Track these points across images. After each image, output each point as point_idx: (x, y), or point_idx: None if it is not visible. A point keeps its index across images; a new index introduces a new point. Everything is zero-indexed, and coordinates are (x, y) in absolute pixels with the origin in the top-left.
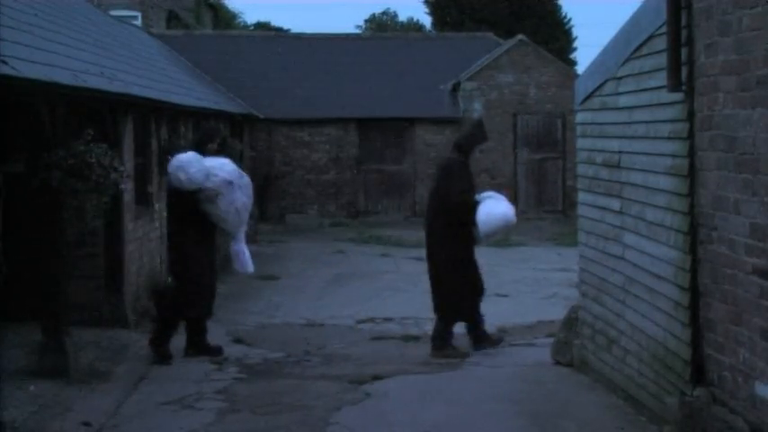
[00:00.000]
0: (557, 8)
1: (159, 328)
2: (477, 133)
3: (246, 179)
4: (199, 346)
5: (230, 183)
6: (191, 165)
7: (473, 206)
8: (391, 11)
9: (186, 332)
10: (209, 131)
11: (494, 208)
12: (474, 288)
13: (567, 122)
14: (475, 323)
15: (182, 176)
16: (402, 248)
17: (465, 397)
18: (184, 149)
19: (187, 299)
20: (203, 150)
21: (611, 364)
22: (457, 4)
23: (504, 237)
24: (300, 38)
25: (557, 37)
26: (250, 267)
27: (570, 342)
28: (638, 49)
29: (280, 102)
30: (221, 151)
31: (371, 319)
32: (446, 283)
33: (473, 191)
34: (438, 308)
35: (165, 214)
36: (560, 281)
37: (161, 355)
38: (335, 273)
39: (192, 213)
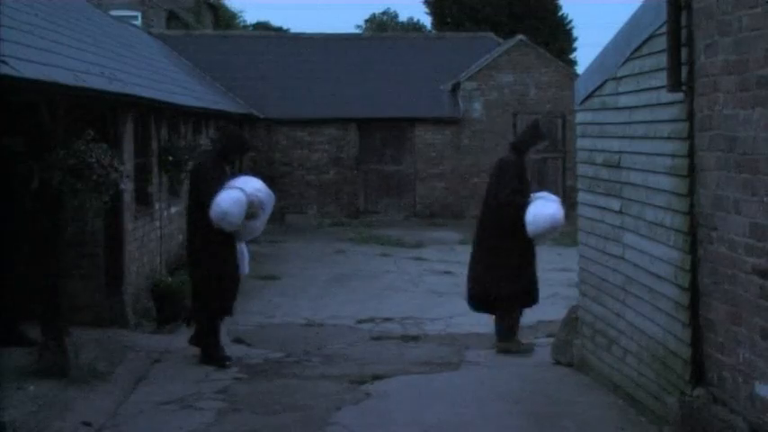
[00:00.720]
0: (557, 8)
1: (208, 334)
2: (534, 134)
3: (273, 197)
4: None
5: (263, 206)
6: (232, 215)
7: (521, 206)
8: (391, 11)
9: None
10: (237, 142)
11: (542, 209)
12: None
13: (567, 122)
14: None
15: (226, 226)
16: (402, 248)
17: (465, 397)
18: (207, 154)
19: (223, 297)
20: (228, 160)
21: (611, 364)
22: (457, 4)
23: (554, 237)
24: (300, 38)
25: (557, 37)
26: (246, 268)
27: (570, 342)
28: (638, 49)
29: (280, 102)
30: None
31: (371, 319)
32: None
33: (525, 191)
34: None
35: (165, 214)
36: (560, 281)
37: (221, 359)
38: (335, 273)
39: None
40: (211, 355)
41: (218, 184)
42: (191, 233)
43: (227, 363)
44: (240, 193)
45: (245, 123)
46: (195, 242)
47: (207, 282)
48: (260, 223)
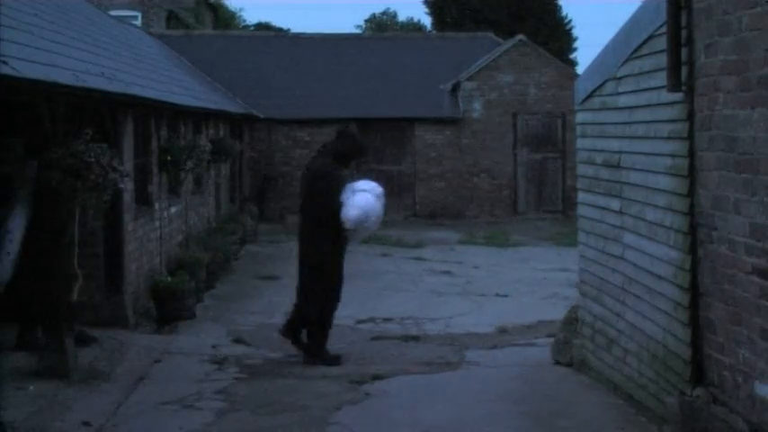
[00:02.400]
0: (556, 8)
1: (323, 336)
2: (357, 148)
3: (383, 192)
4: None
5: (379, 199)
6: (370, 219)
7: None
8: (391, 11)
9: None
10: (356, 144)
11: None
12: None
13: (567, 122)
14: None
15: (361, 230)
16: (402, 248)
17: (465, 397)
18: (323, 157)
19: (335, 298)
20: (346, 162)
21: (611, 364)
22: (457, 4)
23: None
24: (300, 38)
25: (557, 37)
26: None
27: (570, 342)
28: (638, 49)
29: (280, 102)
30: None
31: (371, 319)
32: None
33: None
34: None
35: (165, 214)
36: (560, 281)
37: (332, 359)
38: None
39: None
40: (324, 355)
41: (343, 187)
42: (313, 237)
43: (339, 361)
44: (371, 196)
45: (245, 123)
46: (323, 246)
47: (339, 284)
48: (374, 225)
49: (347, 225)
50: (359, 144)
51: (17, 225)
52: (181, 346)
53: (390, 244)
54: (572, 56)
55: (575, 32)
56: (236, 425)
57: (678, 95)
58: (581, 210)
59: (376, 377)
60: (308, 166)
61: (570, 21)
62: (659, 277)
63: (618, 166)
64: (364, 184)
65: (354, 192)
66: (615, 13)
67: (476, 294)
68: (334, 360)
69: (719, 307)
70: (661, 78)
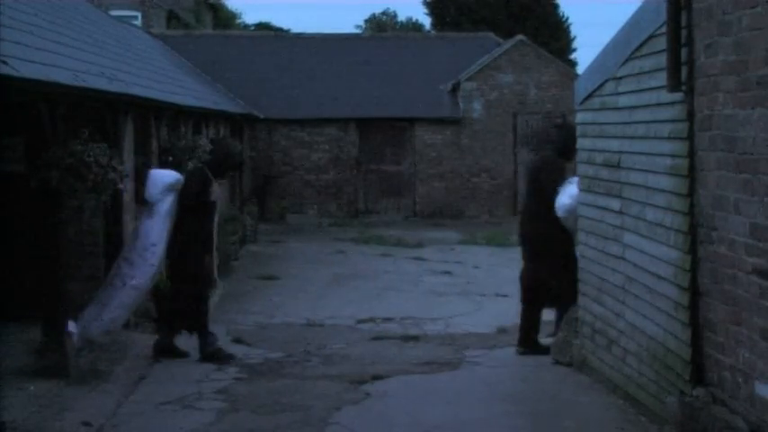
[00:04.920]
0: (555, 8)
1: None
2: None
3: None
4: None
5: None
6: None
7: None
8: (391, 11)
9: None
10: (574, 137)
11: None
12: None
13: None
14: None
15: (571, 222)
16: (402, 248)
17: (465, 397)
18: (547, 150)
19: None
20: (568, 156)
21: (611, 364)
22: (456, 5)
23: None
24: (300, 38)
25: (556, 37)
26: None
27: (570, 342)
28: (638, 49)
29: (280, 102)
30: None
31: (371, 319)
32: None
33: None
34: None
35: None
36: None
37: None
38: (335, 273)
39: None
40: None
41: (562, 179)
42: (538, 227)
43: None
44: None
45: (245, 123)
46: (552, 234)
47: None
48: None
49: (559, 213)
50: (574, 136)
51: (160, 237)
52: (180, 346)
53: (390, 244)
54: (571, 56)
55: (574, 32)
56: (236, 425)
57: (678, 95)
58: (581, 210)
59: (376, 377)
60: (532, 159)
61: (569, 20)
62: (659, 277)
63: (618, 166)
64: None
65: (569, 182)
66: (615, 13)
67: (476, 294)
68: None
69: (719, 307)
70: (661, 78)
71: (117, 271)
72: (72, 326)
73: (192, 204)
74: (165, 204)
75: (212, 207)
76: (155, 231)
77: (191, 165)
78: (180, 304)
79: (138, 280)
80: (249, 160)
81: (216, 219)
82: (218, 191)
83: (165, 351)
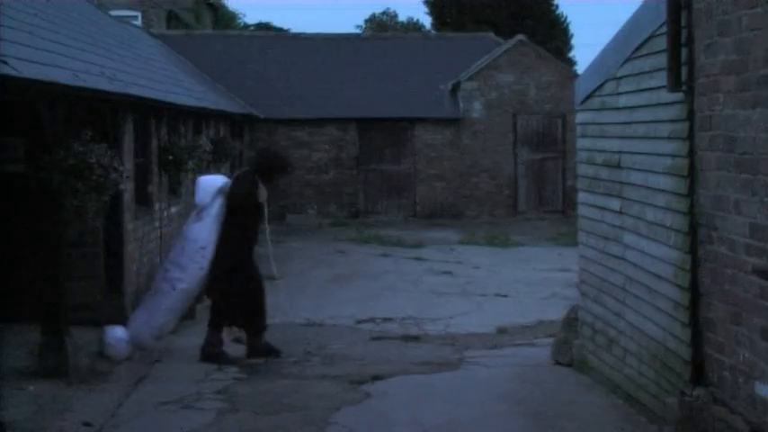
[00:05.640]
0: (554, 8)
1: None
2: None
3: None
4: None
5: None
6: None
7: None
8: (391, 11)
9: None
10: None
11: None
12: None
13: (567, 122)
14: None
15: None
16: (402, 248)
17: (465, 397)
18: None
19: None
20: None
21: (611, 364)
22: (457, 5)
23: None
24: (300, 38)
25: (553, 36)
26: None
27: (570, 342)
28: (638, 49)
29: (280, 102)
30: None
31: (371, 319)
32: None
33: None
34: None
35: (165, 214)
36: (560, 281)
37: None
38: (335, 273)
39: None
40: None
41: None
42: None
43: None
44: None
45: (245, 123)
46: None
47: None
48: None
49: None
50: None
51: (209, 240)
52: (181, 346)
53: (390, 244)
54: (569, 55)
55: (572, 32)
56: (236, 425)
57: (678, 95)
58: (581, 210)
59: (376, 377)
60: None
61: (566, 19)
62: (659, 277)
63: (618, 166)
64: None
65: None
66: (614, 13)
67: (476, 294)
68: None
69: (720, 307)
70: (661, 78)
71: (165, 275)
72: (122, 332)
73: (240, 207)
74: (214, 208)
75: (260, 209)
76: (204, 234)
77: (239, 170)
78: (229, 305)
79: (188, 284)
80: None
81: (265, 221)
82: (266, 194)
83: (259, 352)
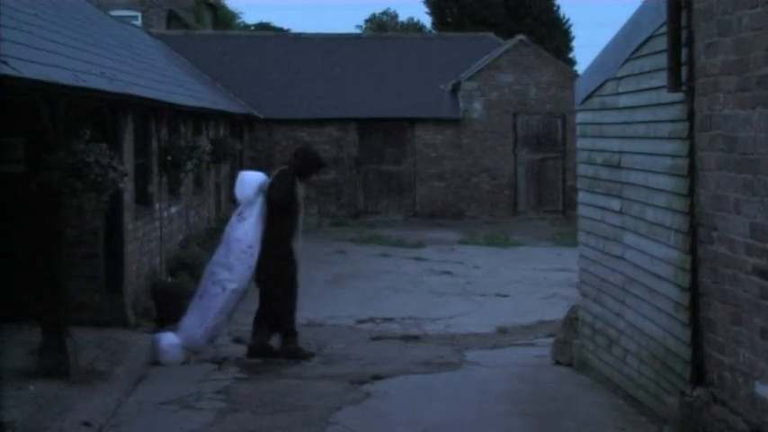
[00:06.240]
0: (554, 8)
1: None
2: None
3: None
4: None
5: None
6: None
7: None
8: (391, 11)
9: None
10: None
11: None
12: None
13: (567, 122)
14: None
15: None
16: (402, 248)
17: (465, 397)
18: None
19: None
20: None
21: (611, 364)
22: (457, 5)
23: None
24: (300, 38)
25: (554, 36)
26: None
27: (570, 342)
28: (638, 49)
29: (280, 102)
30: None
31: (371, 319)
32: None
33: None
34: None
35: (165, 214)
36: (560, 281)
37: None
38: (336, 273)
39: None
40: None
41: None
42: None
43: None
44: None
45: (245, 123)
46: None
47: None
48: None
49: None
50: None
51: (256, 239)
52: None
53: (390, 244)
54: (570, 55)
55: (573, 32)
56: (236, 425)
57: (678, 95)
58: (581, 210)
59: (376, 377)
60: None
61: (568, 20)
62: (659, 277)
63: (618, 166)
64: None
65: None
66: (614, 13)
67: (476, 294)
68: None
69: (720, 307)
70: (661, 78)
71: (213, 278)
72: (174, 338)
73: (279, 206)
74: (257, 206)
75: (298, 208)
76: (250, 234)
77: (277, 169)
78: (268, 304)
79: (238, 283)
80: (249, 160)
81: (301, 219)
82: (303, 192)
83: (264, 352)
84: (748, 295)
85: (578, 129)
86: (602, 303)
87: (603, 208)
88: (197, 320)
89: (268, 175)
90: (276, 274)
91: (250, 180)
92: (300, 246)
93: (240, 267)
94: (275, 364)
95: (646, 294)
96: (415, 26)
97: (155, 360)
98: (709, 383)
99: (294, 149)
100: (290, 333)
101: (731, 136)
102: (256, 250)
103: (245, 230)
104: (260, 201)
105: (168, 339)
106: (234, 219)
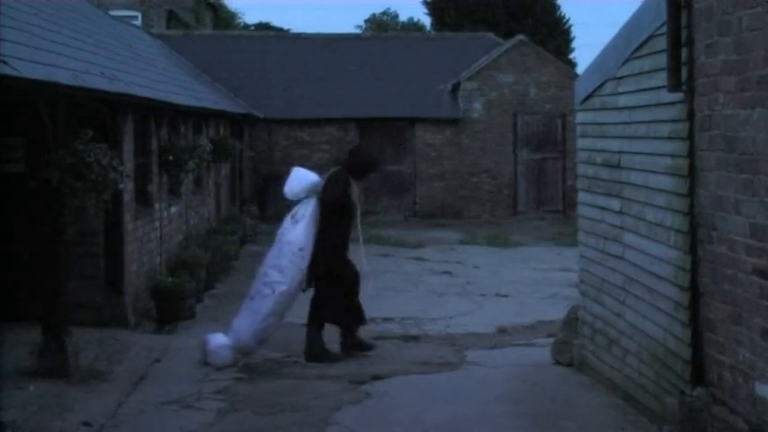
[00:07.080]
0: (554, 8)
1: None
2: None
3: None
4: None
5: None
6: None
7: None
8: (391, 11)
9: None
10: None
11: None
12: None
13: (567, 122)
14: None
15: None
16: (402, 248)
17: (465, 397)
18: None
19: None
20: None
21: (611, 364)
22: (456, 5)
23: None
24: (300, 38)
25: (554, 36)
26: None
27: (570, 342)
28: (638, 49)
29: (280, 102)
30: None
31: (372, 319)
32: None
33: None
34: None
35: (165, 214)
36: (560, 281)
37: None
38: None
39: None
40: None
41: None
42: None
43: None
44: None
45: (245, 123)
46: None
47: None
48: None
49: None
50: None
51: (308, 241)
52: (181, 345)
53: (390, 244)
54: (570, 55)
55: (573, 32)
56: (236, 425)
57: (678, 95)
58: (581, 210)
59: (376, 377)
60: None
61: (568, 20)
62: (659, 277)
63: (618, 166)
64: None
65: None
66: (614, 13)
67: (476, 294)
68: None
69: (719, 307)
70: (661, 78)
71: (264, 280)
72: (224, 339)
73: (334, 207)
74: (310, 208)
75: (354, 208)
76: (301, 236)
77: (331, 170)
78: (330, 305)
79: (289, 285)
80: (249, 160)
81: (359, 221)
82: (357, 192)
83: (355, 347)
84: (748, 295)
85: (578, 129)
86: (602, 303)
87: (603, 208)
88: (247, 322)
89: (321, 177)
90: (333, 273)
91: (301, 178)
92: (362, 247)
93: (291, 269)
94: (275, 363)
95: (646, 294)
96: (415, 26)
97: (203, 361)
98: (709, 383)
99: (348, 149)
100: (356, 326)
101: (731, 136)
102: (308, 252)
103: (298, 233)
104: (312, 204)
105: (218, 340)
106: (287, 221)
